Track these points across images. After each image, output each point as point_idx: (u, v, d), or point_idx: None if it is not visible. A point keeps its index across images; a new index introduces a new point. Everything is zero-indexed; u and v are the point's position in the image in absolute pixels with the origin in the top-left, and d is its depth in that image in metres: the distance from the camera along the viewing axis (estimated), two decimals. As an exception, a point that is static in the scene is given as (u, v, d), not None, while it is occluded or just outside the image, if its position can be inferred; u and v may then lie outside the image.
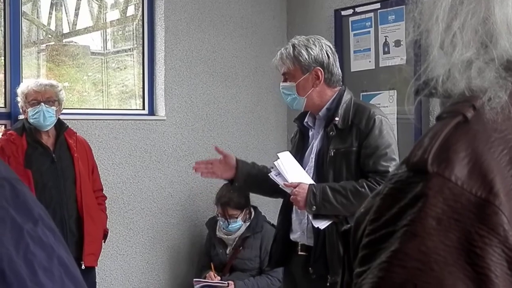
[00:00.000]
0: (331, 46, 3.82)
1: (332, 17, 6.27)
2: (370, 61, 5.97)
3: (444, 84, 0.93)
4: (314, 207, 3.55)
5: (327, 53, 3.75)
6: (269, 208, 5.81)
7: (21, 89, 4.78)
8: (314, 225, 3.61)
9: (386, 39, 5.84)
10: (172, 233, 6.09)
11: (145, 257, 5.93)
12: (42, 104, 4.67)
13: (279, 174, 3.70)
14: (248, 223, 5.80)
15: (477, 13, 0.91)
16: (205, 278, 5.70)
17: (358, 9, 6.08)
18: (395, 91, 5.62)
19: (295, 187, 3.61)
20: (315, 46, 3.74)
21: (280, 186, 3.68)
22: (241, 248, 5.76)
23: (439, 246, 0.82)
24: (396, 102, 5.66)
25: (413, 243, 0.84)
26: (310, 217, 3.63)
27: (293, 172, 3.69)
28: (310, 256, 3.73)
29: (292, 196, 3.63)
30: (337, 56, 3.83)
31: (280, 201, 4.00)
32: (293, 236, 3.85)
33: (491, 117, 0.88)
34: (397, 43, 5.73)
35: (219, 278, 5.67)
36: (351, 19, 6.14)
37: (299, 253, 3.82)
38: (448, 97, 0.94)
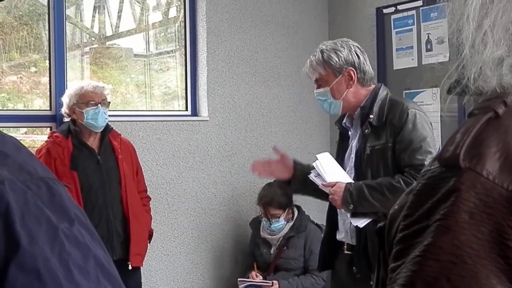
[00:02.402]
0: (359, 46, 3.81)
1: (374, 15, 6.26)
2: (412, 59, 5.95)
3: (475, 82, 0.94)
4: (351, 205, 3.56)
5: (356, 53, 3.74)
6: (312, 207, 5.81)
7: (74, 90, 4.78)
8: (353, 223, 3.62)
9: (428, 36, 5.81)
10: (216, 233, 6.12)
11: (190, 257, 5.98)
12: (99, 105, 4.72)
13: (318, 175, 3.72)
14: (292, 222, 5.79)
15: (507, 11, 0.91)
16: (248, 278, 5.72)
17: (400, 7, 6.06)
18: (438, 88, 5.58)
19: (332, 187, 3.62)
20: (344, 48, 3.73)
21: (319, 186, 3.69)
22: (285, 248, 5.76)
23: (471, 239, 0.83)
24: (439, 99, 5.63)
25: (446, 237, 0.84)
26: (349, 216, 3.63)
27: (332, 172, 3.69)
28: (354, 255, 3.74)
29: (330, 196, 3.65)
30: (366, 55, 3.81)
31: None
32: (339, 236, 3.86)
33: None
34: (440, 40, 5.69)
35: (261, 277, 5.69)
36: (393, 17, 6.12)
37: (345, 252, 3.81)
38: (480, 94, 0.95)
